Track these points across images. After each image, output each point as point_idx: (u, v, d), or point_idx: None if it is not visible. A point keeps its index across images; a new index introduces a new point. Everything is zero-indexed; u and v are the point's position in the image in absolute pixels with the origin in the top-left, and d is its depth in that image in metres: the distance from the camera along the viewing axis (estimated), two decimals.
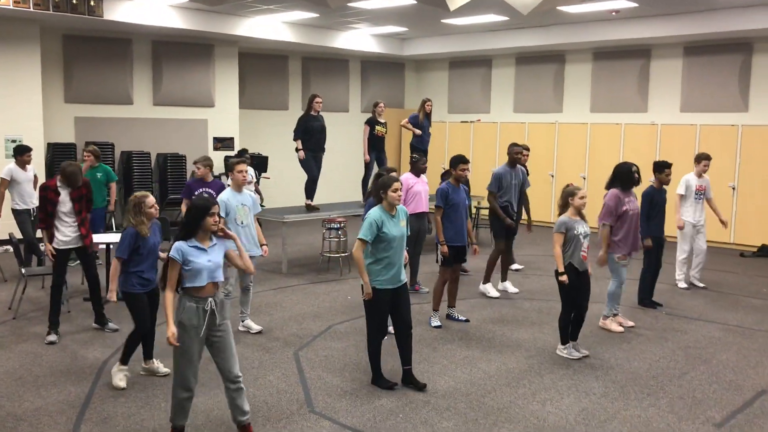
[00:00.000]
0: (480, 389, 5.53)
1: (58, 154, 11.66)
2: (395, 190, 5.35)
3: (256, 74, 14.74)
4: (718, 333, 7.13)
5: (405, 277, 5.50)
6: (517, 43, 14.08)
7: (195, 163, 7.90)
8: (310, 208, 10.41)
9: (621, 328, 7.06)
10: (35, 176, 9.27)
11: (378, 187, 5.44)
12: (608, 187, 7.13)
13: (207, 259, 4.31)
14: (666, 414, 5.11)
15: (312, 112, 10.16)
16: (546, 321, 7.45)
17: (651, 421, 4.99)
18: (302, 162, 10.21)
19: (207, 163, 7.76)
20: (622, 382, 5.73)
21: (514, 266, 9.87)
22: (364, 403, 5.23)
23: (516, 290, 8.59)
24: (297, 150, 10.10)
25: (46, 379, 5.65)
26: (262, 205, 7.93)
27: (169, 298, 4.28)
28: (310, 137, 10.13)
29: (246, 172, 6.81)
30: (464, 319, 7.39)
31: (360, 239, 5.29)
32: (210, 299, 4.31)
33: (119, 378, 5.49)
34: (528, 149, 9.62)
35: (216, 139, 13.70)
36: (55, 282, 6.71)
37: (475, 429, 4.81)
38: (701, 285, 9.03)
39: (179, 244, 4.31)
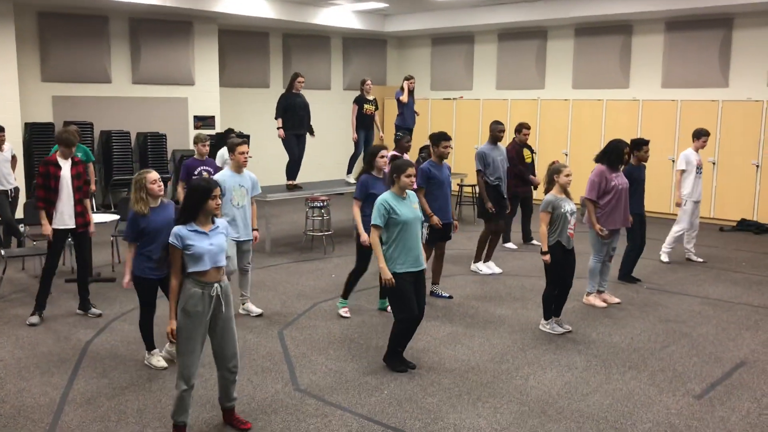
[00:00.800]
0: (464, 365, 5.57)
1: (36, 134, 11.50)
2: (409, 176, 5.28)
3: (236, 52, 14.57)
4: (698, 307, 7.22)
5: (424, 262, 5.44)
6: (500, 20, 14.04)
7: (199, 141, 7.82)
8: (291, 188, 10.35)
9: (604, 304, 7.13)
10: (13, 156, 9.13)
11: (391, 170, 5.36)
12: (597, 160, 7.14)
13: (209, 243, 4.17)
14: (647, 386, 5.18)
15: (294, 91, 10.04)
16: (529, 297, 7.50)
17: (632, 393, 5.06)
18: (284, 142, 10.11)
19: (210, 140, 7.73)
20: (604, 356, 5.80)
21: (509, 245, 9.93)
22: (349, 380, 5.25)
23: (500, 270, 8.61)
24: (278, 129, 9.99)
25: (28, 360, 5.61)
26: None
27: (173, 287, 4.17)
28: (292, 116, 10.00)
29: (247, 153, 6.61)
30: (447, 295, 7.43)
31: (374, 225, 5.24)
32: (216, 285, 4.19)
33: (156, 360, 5.42)
34: (529, 127, 9.77)
35: (197, 118, 13.56)
36: (50, 264, 6.56)
37: (459, 404, 4.85)
38: (700, 260, 9.15)
39: (177, 229, 4.16)
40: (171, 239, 4.15)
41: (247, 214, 6.62)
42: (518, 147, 9.66)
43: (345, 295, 6.83)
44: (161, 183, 5.38)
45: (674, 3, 11.84)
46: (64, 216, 6.50)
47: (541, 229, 6.16)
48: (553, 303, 6.34)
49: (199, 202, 4.18)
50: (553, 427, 4.53)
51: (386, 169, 6.56)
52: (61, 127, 8.96)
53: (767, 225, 11.48)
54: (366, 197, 6.46)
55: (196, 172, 7.70)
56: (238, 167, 6.58)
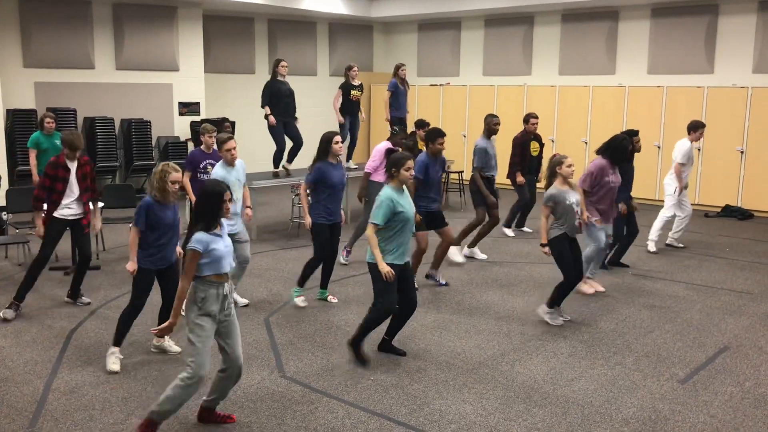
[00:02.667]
0: (450, 351, 5.59)
1: (19, 121, 11.37)
2: (408, 168, 5.21)
3: (221, 37, 14.44)
4: (682, 292, 7.27)
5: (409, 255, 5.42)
6: (487, 5, 14.00)
7: (205, 132, 7.58)
8: (279, 174, 10.31)
9: (592, 290, 7.16)
10: None
11: (389, 164, 5.27)
12: (599, 153, 7.09)
13: (224, 244, 4.18)
14: (632, 372, 5.22)
15: (279, 77, 9.96)
16: (514, 284, 7.52)
17: (617, 378, 5.10)
18: (271, 130, 10.02)
19: (215, 133, 7.47)
20: (589, 341, 5.83)
21: (508, 231, 9.97)
22: (335, 367, 5.25)
23: (484, 257, 8.62)
24: (266, 117, 9.91)
25: (11, 349, 5.57)
26: None
27: (184, 288, 4.14)
28: (278, 102, 9.94)
29: (235, 149, 6.44)
30: (444, 282, 7.43)
31: (373, 224, 5.13)
32: (225, 284, 4.21)
33: (111, 361, 5.21)
34: (536, 117, 9.76)
35: (181, 104, 13.44)
36: (44, 254, 6.40)
37: (445, 390, 4.87)
38: (680, 245, 9.22)
39: (201, 235, 4.10)
40: (194, 245, 4.08)
41: (238, 206, 6.47)
42: (527, 138, 9.66)
43: (301, 283, 6.70)
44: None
45: None
46: (65, 209, 6.45)
47: (541, 222, 6.15)
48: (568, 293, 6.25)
49: (217, 209, 4.16)
50: (539, 413, 4.55)
51: (341, 156, 6.65)
52: (44, 113, 8.87)
53: (751, 211, 11.58)
54: (316, 185, 6.47)
55: (201, 166, 7.52)
56: (230, 161, 6.45)
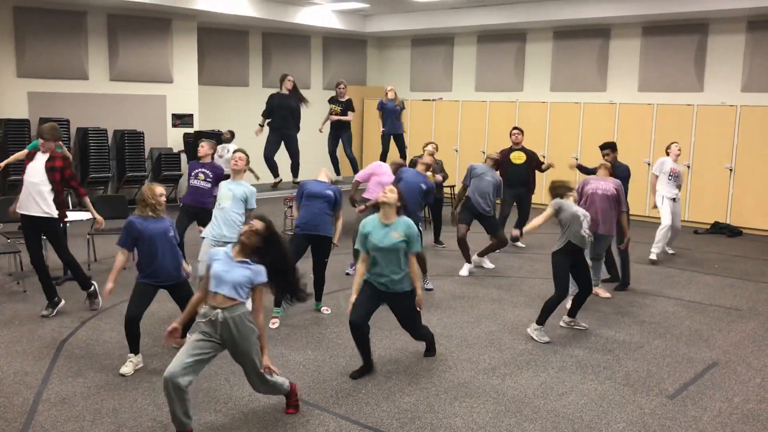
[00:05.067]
0: (441, 364, 5.60)
1: (12, 131, 11.35)
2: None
3: (215, 50, 14.49)
4: (672, 308, 7.32)
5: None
6: (479, 21, 14.11)
7: (200, 140, 7.98)
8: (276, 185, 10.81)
9: (608, 294, 7.48)
10: None
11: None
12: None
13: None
14: (621, 387, 5.25)
15: (283, 91, 10.38)
16: (506, 297, 7.56)
17: (607, 393, 5.13)
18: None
19: (212, 143, 7.87)
20: (579, 356, 5.86)
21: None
22: (326, 379, 5.26)
23: (474, 270, 8.67)
24: (259, 125, 10.38)
25: (1, 360, 5.54)
26: None
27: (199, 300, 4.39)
28: (276, 116, 10.35)
29: (238, 159, 6.71)
30: (430, 287, 7.67)
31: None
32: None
33: (125, 364, 5.30)
34: (514, 129, 9.94)
35: (175, 116, 13.46)
36: (29, 255, 6.57)
37: (436, 403, 4.88)
38: (655, 258, 9.35)
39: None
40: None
41: (229, 217, 6.46)
42: (507, 151, 9.82)
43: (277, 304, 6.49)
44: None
45: (651, 8, 12.00)
46: (23, 203, 6.53)
47: (535, 220, 6.22)
48: (553, 307, 6.21)
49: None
50: (529, 427, 4.57)
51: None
52: (39, 124, 8.93)
53: (740, 228, 11.68)
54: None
55: (192, 173, 7.72)
56: (236, 174, 6.69)
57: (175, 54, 13.30)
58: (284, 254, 4.44)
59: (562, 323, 6.55)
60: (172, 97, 13.39)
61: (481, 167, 8.49)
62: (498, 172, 8.63)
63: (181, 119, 13.54)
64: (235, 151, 6.81)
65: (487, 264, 8.83)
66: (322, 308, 6.88)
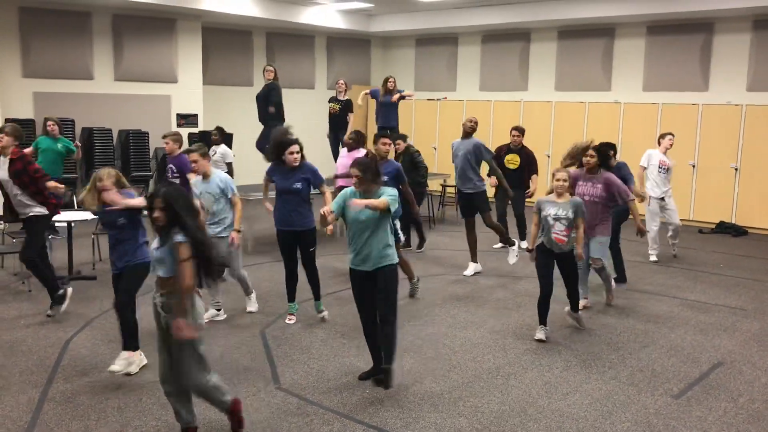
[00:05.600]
0: (445, 365, 5.60)
1: None
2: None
3: (219, 50, 14.50)
4: (677, 308, 7.30)
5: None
6: (484, 21, 14.10)
7: (164, 137, 7.99)
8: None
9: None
10: None
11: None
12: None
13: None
14: (626, 386, 5.24)
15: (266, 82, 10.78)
16: (509, 297, 7.55)
17: (612, 393, 5.12)
18: None
19: (174, 138, 7.90)
20: (583, 356, 5.85)
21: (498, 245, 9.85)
22: (330, 379, 5.26)
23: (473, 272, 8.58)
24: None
25: (6, 359, 5.56)
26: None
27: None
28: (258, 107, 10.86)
29: (194, 161, 6.40)
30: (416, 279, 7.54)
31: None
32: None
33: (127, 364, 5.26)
34: (515, 128, 9.59)
35: (179, 116, 13.49)
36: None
37: (441, 403, 4.88)
38: (655, 258, 9.33)
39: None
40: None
41: (222, 216, 6.41)
42: (502, 151, 9.61)
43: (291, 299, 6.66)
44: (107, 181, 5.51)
45: (656, 7, 11.97)
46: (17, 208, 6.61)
47: (532, 230, 6.24)
48: (545, 307, 6.17)
49: None
50: (534, 427, 4.57)
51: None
52: (43, 123, 8.94)
53: (745, 228, 11.64)
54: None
55: (167, 171, 7.94)
56: (202, 174, 6.45)
57: (179, 54, 13.32)
58: (187, 224, 4.07)
59: (567, 317, 6.57)
60: (176, 97, 13.41)
61: (455, 144, 8.26)
62: (472, 137, 8.13)
63: (186, 119, 13.56)
64: (189, 152, 6.56)
65: (469, 270, 8.50)
66: (323, 313, 6.65)
